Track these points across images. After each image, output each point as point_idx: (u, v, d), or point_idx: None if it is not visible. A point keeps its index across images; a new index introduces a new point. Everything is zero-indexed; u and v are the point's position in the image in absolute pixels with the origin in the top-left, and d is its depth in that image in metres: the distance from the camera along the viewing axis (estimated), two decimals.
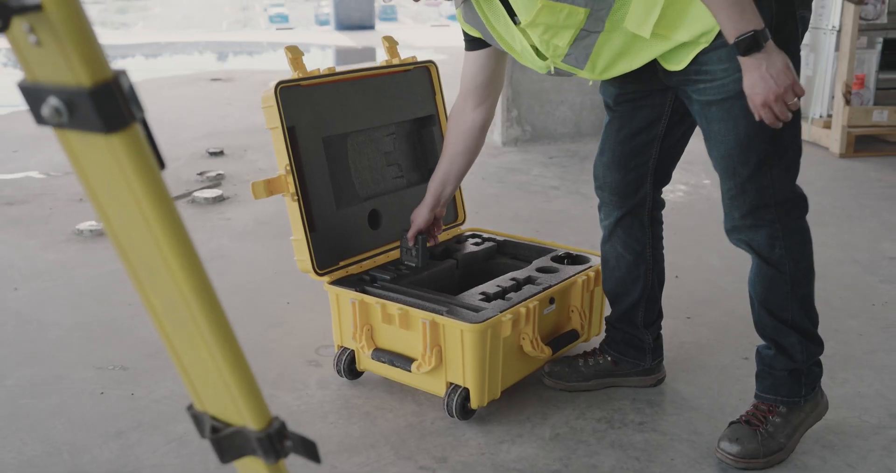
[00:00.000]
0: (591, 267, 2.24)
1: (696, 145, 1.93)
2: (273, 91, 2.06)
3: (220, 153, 4.73)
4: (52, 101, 0.72)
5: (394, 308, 1.98)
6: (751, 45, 1.48)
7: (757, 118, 1.56)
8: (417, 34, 13.01)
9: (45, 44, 0.70)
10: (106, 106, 0.71)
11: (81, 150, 0.74)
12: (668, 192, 3.73)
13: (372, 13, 13.57)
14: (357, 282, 2.13)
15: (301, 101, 2.14)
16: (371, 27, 13.42)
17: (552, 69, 1.82)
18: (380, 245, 2.31)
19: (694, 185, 3.97)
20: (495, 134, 4.93)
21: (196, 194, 3.83)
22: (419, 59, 2.48)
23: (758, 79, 1.50)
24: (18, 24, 0.70)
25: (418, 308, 1.97)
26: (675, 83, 1.74)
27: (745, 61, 1.51)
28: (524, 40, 1.76)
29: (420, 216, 2.18)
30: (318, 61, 10.31)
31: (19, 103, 7.08)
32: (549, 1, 1.63)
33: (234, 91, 7.20)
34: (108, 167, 0.74)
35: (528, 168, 4.40)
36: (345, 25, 13.28)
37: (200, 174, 4.22)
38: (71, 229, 3.39)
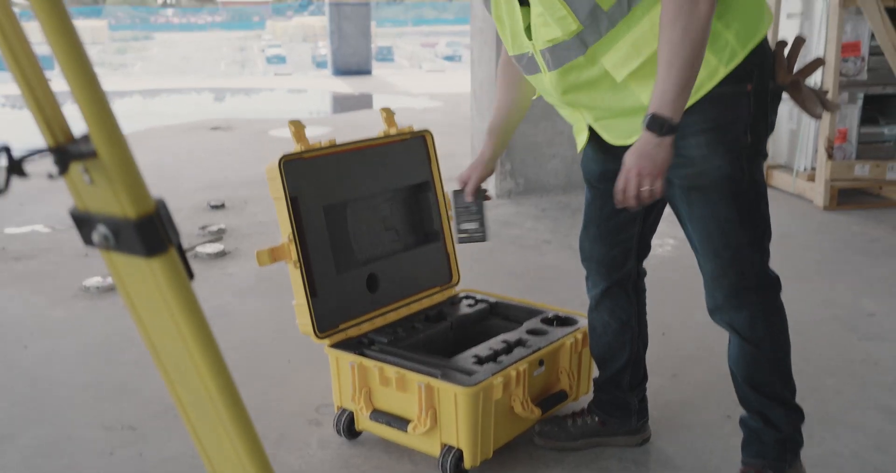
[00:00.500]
0: (578, 329, 2.34)
1: None
2: (277, 164, 2.19)
3: (222, 206, 4.85)
4: (101, 229, 0.84)
5: (391, 371, 2.09)
6: (659, 127, 1.59)
7: (618, 185, 1.65)
8: (413, 80, 13.24)
9: (97, 183, 0.82)
10: (148, 234, 0.82)
11: (125, 270, 0.86)
12: (656, 246, 3.85)
13: (369, 58, 13.83)
14: (356, 345, 2.23)
15: (303, 172, 2.27)
16: (368, 72, 13.65)
17: (529, 53, 1.82)
18: (378, 307, 2.41)
19: (682, 239, 4.08)
20: (489, 186, 5.06)
21: (198, 249, 3.95)
22: (416, 129, 2.60)
23: (639, 152, 1.61)
24: (75, 167, 0.82)
25: (414, 371, 2.08)
26: None
27: (644, 134, 1.61)
28: (517, 10, 1.78)
29: (479, 168, 2.11)
30: (316, 106, 10.50)
31: (22, 150, 7.20)
32: None
33: (233, 140, 7.35)
34: (148, 285, 0.85)
35: (521, 221, 4.53)
36: (342, 70, 13.51)
37: (202, 228, 4.34)
38: (78, 285, 3.49)
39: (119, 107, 10.08)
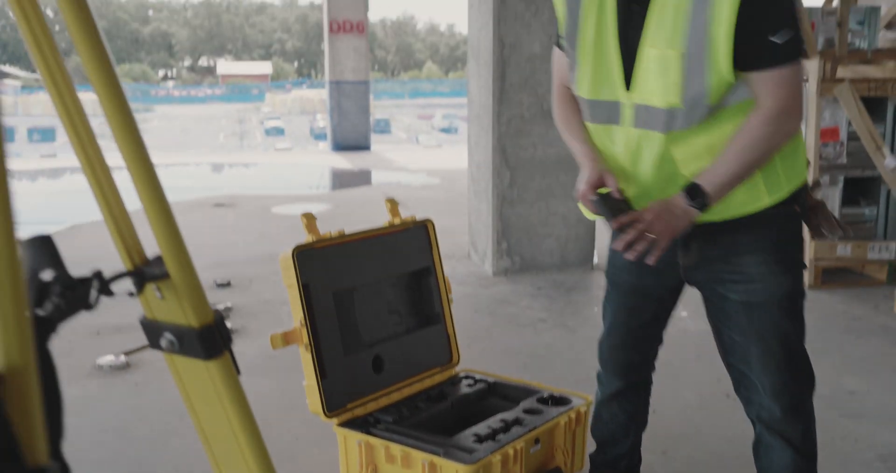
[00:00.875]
0: (572, 408, 2.48)
1: None
2: (290, 255, 2.36)
3: (228, 284, 5.02)
4: (168, 336, 1.00)
5: (396, 449, 2.22)
6: (694, 196, 1.68)
7: (630, 216, 1.70)
8: (410, 155, 13.53)
9: (166, 297, 0.98)
10: (208, 341, 0.99)
11: (185, 370, 1.02)
12: None
13: (368, 134, 14.16)
14: (363, 424, 2.37)
15: (314, 261, 2.44)
16: (367, 148, 13.97)
17: (616, 102, 1.76)
18: (383, 387, 2.56)
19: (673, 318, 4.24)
20: (486, 264, 5.25)
21: None
22: (418, 218, 2.78)
23: (666, 207, 1.69)
24: (149, 286, 0.99)
25: (418, 449, 2.21)
26: (703, 280, 1.89)
27: (679, 195, 1.70)
28: (615, 57, 1.72)
29: (605, 167, 1.86)
30: (316, 182, 10.73)
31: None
32: (681, 56, 1.62)
33: (238, 218, 7.55)
34: (204, 382, 1.01)
35: (517, 299, 4.69)
36: (341, 146, 13.83)
37: None
38: (91, 364, 3.63)
39: (122, 182, 10.32)
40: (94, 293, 0.92)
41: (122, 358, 3.64)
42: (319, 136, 19.82)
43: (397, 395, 2.57)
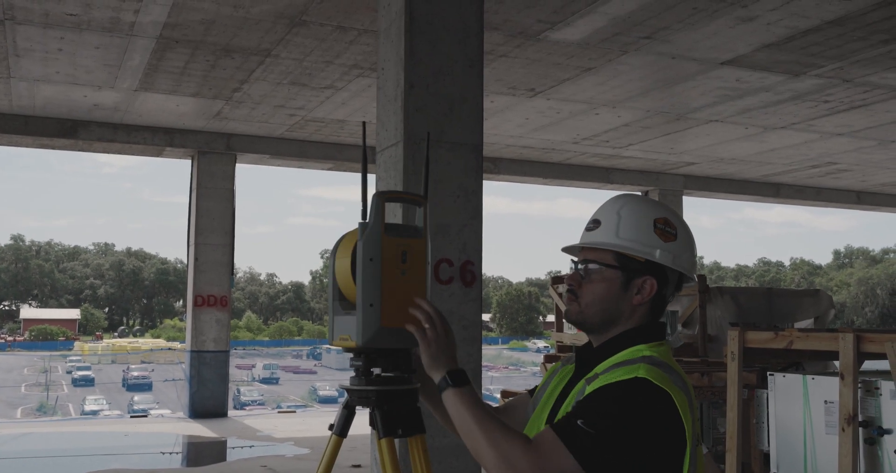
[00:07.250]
0: None
1: None
2: None
3: None
4: None
5: None
6: (455, 377, 1.84)
7: None
8: (268, 422, 13.80)
9: None
10: None
11: None
12: None
13: (225, 401, 14.51)
14: None
15: None
16: (224, 415, 14.24)
17: None
18: None
19: None
20: None
21: None
22: None
23: (448, 345, 1.89)
24: None
25: None
26: None
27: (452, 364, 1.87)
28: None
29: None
30: (193, 453, 10.59)
31: None
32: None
33: None
34: None
35: None
36: (198, 413, 14.02)
37: None
38: None
39: None
40: None
41: None
42: (134, 387, 18.15)
43: None
